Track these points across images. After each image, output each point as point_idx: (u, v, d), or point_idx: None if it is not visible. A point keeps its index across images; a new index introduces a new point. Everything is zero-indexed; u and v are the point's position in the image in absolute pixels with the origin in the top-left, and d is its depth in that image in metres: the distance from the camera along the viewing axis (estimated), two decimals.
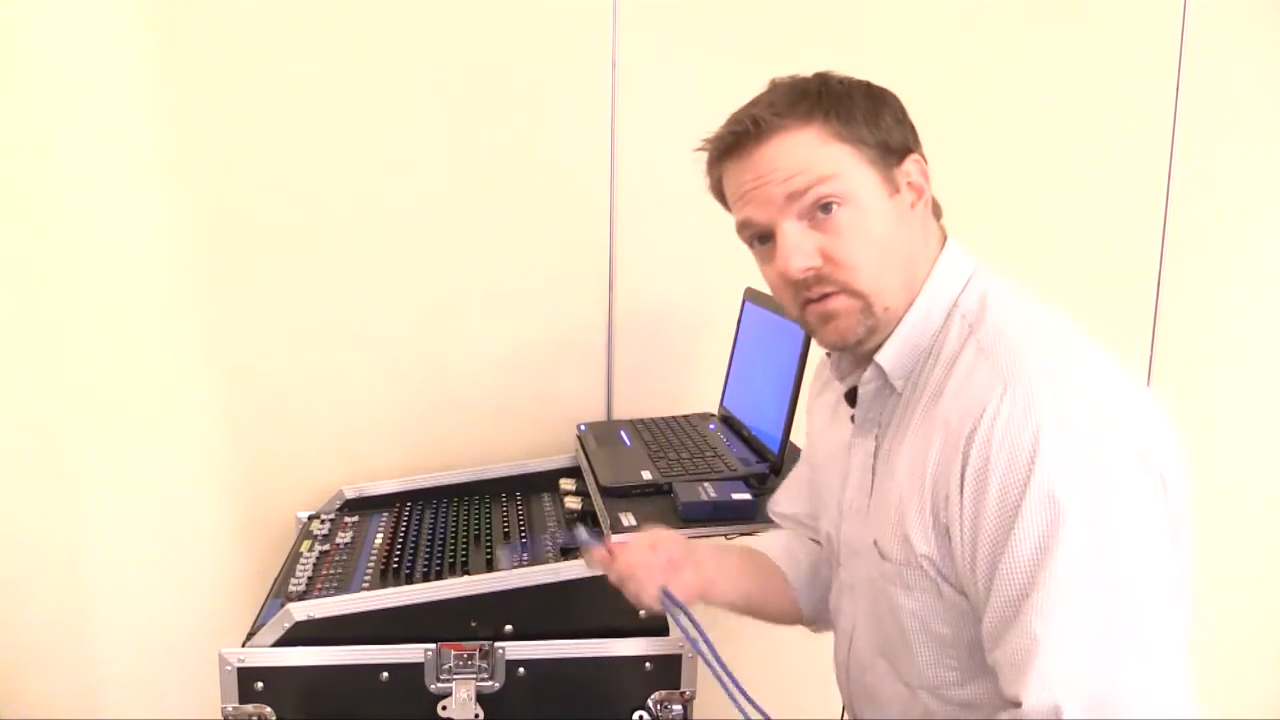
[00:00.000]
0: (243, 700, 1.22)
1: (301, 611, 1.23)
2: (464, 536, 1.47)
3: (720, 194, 1.03)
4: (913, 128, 0.99)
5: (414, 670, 1.24)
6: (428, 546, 1.44)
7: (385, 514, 1.60)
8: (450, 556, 1.38)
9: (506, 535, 1.46)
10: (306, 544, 1.50)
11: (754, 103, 0.97)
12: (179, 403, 1.69)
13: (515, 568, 1.32)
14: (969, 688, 0.94)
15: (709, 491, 1.34)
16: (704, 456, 1.50)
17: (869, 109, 0.95)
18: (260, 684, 1.22)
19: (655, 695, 1.26)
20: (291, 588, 1.34)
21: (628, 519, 1.31)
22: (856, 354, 1.02)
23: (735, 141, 0.96)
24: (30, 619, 1.69)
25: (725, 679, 1.02)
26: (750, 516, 1.32)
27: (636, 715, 1.26)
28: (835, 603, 1.13)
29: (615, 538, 1.17)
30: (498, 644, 1.25)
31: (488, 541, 1.44)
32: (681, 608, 1.06)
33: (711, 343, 1.76)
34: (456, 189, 1.72)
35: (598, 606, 1.27)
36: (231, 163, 1.64)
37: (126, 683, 1.73)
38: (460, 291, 1.75)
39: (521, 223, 1.74)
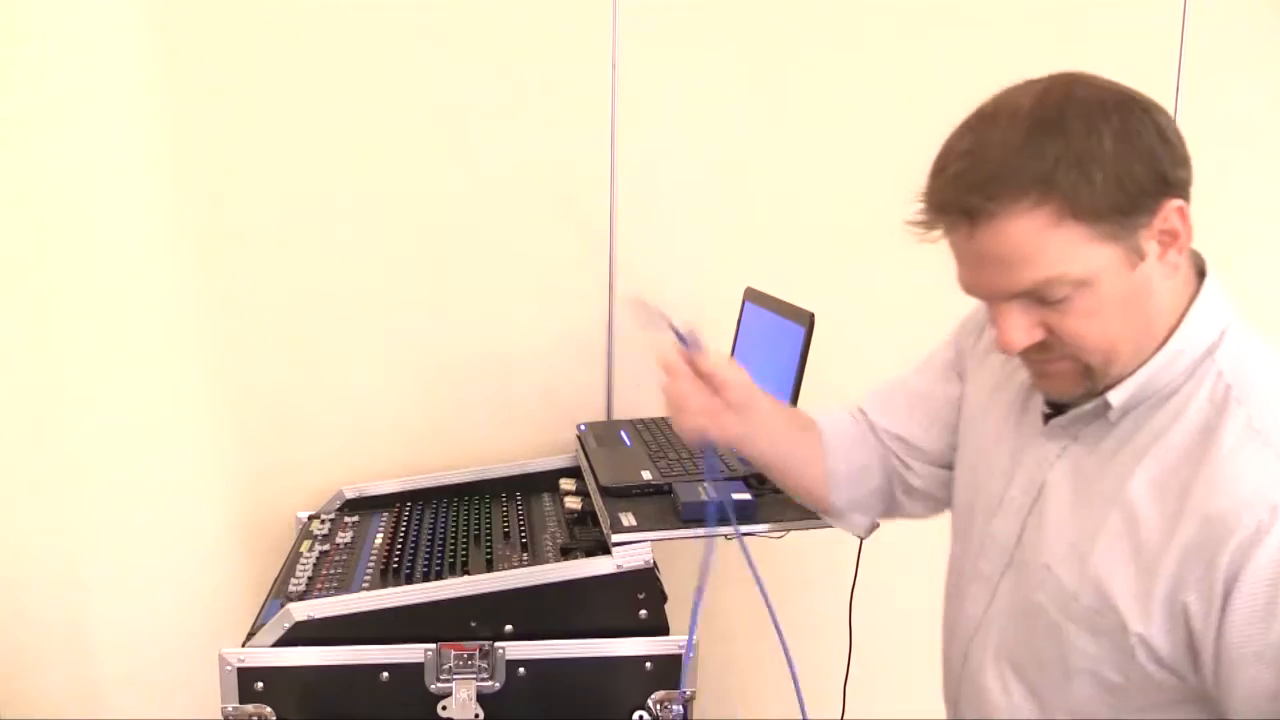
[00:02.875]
0: (243, 700, 1.22)
1: (301, 611, 1.23)
2: (464, 536, 1.47)
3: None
4: (1175, 150, 0.83)
5: (414, 670, 1.24)
6: (428, 546, 1.44)
7: (385, 514, 1.60)
8: (450, 556, 1.38)
9: (506, 535, 1.46)
10: (306, 544, 1.50)
11: (974, 159, 0.82)
12: (179, 403, 1.69)
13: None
14: None
15: (709, 491, 1.34)
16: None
17: (1118, 167, 0.80)
18: (260, 684, 1.22)
19: (655, 695, 1.26)
20: (291, 588, 1.34)
21: (628, 519, 1.31)
22: None
23: (947, 225, 0.85)
24: (30, 619, 1.68)
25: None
26: (750, 517, 1.32)
27: (636, 715, 1.27)
28: (960, 584, 1.08)
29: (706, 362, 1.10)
30: (498, 644, 1.25)
31: (488, 541, 1.44)
32: (715, 464, 1.10)
33: (712, 343, 1.76)
34: (456, 189, 1.72)
35: (598, 606, 1.27)
36: (230, 164, 1.64)
37: (126, 683, 1.73)
38: (461, 292, 1.75)
39: (521, 223, 1.74)
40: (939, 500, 1.20)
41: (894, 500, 1.22)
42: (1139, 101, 0.84)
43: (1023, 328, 0.86)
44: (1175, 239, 0.84)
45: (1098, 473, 0.92)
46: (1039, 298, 0.84)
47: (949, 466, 1.16)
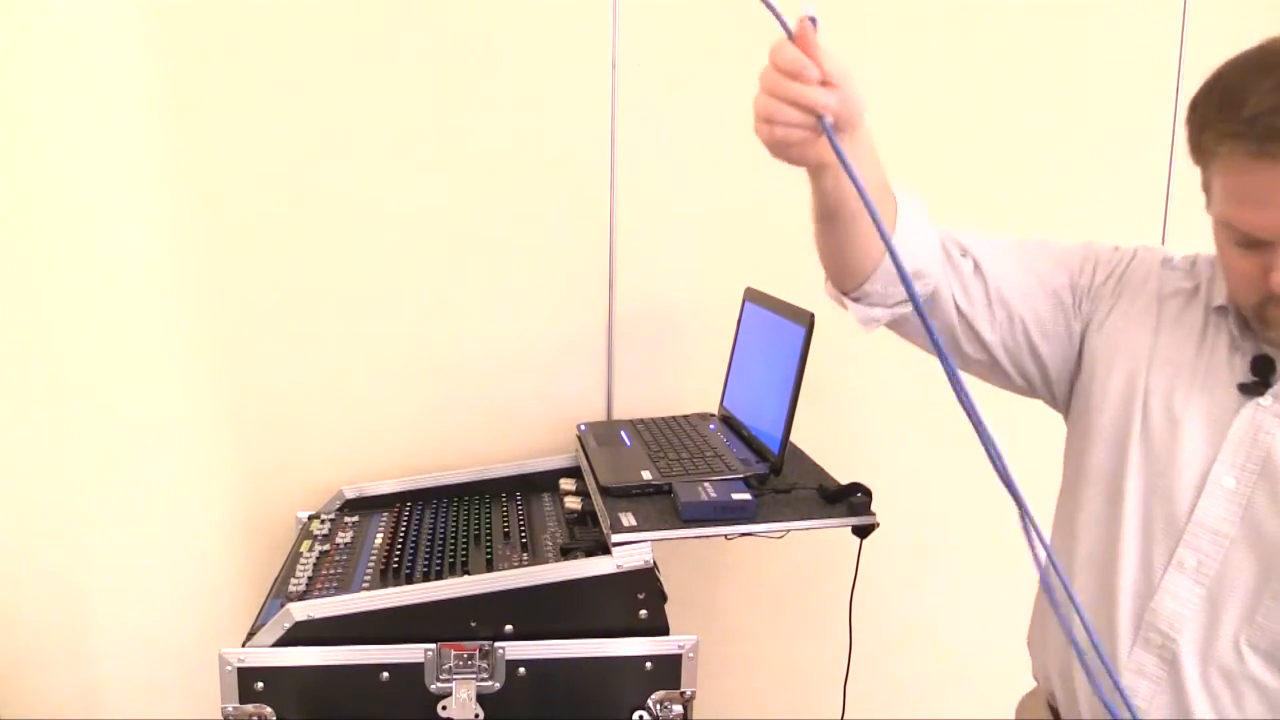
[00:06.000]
0: (243, 700, 1.22)
1: (301, 611, 1.23)
2: (464, 536, 1.47)
3: (1200, 149, 0.95)
4: None
5: (414, 670, 1.24)
6: (428, 546, 1.44)
7: (385, 514, 1.60)
8: (450, 556, 1.39)
9: (506, 535, 1.46)
10: (306, 544, 1.50)
11: None
12: (179, 403, 1.69)
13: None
14: None
15: (709, 491, 1.34)
16: (704, 456, 1.50)
17: None
18: (260, 684, 1.22)
19: (655, 695, 1.26)
20: (291, 588, 1.34)
21: (628, 519, 1.31)
22: None
23: (1272, 155, 0.86)
24: (30, 619, 1.68)
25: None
26: (750, 516, 1.32)
27: (636, 715, 1.27)
28: (1155, 578, 1.01)
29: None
30: (498, 644, 1.25)
31: (488, 541, 1.44)
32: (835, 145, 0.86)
33: (711, 343, 1.77)
34: (457, 189, 1.72)
35: (598, 606, 1.27)
36: (232, 163, 1.64)
37: (126, 683, 1.73)
38: (460, 292, 1.75)
39: (521, 223, 1.74)
40: (982, 365, 1.14)
41: (944, 322, 1.12)
42: None
43: None
44: None
45: None
46: None
47: (1002, 354, 1.12)
